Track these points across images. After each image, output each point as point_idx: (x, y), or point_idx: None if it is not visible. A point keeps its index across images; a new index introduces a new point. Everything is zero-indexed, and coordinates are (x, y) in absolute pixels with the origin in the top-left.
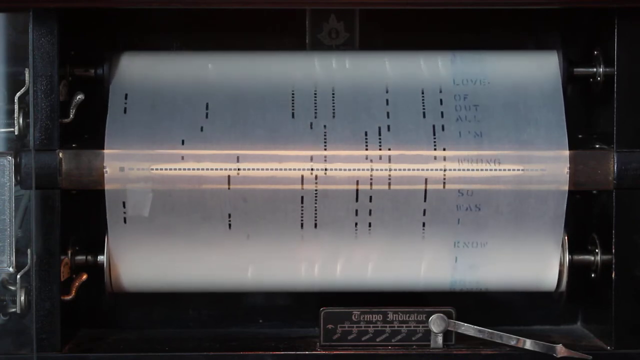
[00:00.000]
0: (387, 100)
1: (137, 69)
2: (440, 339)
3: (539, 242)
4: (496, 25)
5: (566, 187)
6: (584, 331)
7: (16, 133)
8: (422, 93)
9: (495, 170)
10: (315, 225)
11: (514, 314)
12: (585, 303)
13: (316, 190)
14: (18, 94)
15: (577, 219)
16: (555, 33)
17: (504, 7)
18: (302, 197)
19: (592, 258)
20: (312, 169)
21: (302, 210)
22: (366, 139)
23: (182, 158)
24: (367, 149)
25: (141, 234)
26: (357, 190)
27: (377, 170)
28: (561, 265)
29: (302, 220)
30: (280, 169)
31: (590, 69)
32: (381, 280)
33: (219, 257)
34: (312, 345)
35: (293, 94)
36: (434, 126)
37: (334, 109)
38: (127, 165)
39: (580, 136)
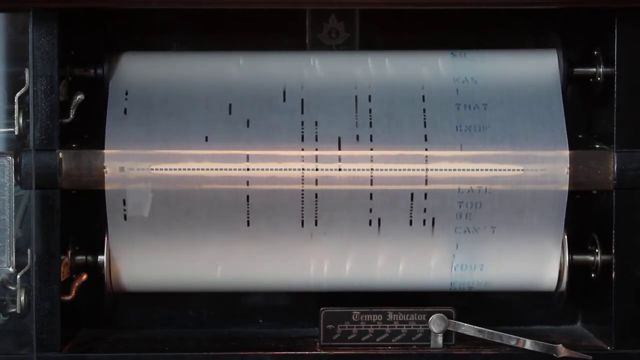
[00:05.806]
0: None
1: (136, 69)
2: (440, 339)
3: (539, 242)
4: (496, 25)
5: (566, 187)
6: (584, 331)
7: (16, 133)
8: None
9: (495, 170)
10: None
11: (514, 314)
12: (585, 303)
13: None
14: (18, 94)
15: (577, 219)
16: (555, 33)
17: (504, 7)
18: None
19: (592, 258)
20: (316, 169)
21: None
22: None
23: (182, 158)
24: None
25: (141, 234)
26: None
27: (377, 170)
28: (561, 265)
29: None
30: (281, 169)
31: (590, 69)
32: (381, 280)
33: (218, 257)
34: (312, 345)
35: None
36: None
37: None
38: (127, 165)
39: (580, 136)
